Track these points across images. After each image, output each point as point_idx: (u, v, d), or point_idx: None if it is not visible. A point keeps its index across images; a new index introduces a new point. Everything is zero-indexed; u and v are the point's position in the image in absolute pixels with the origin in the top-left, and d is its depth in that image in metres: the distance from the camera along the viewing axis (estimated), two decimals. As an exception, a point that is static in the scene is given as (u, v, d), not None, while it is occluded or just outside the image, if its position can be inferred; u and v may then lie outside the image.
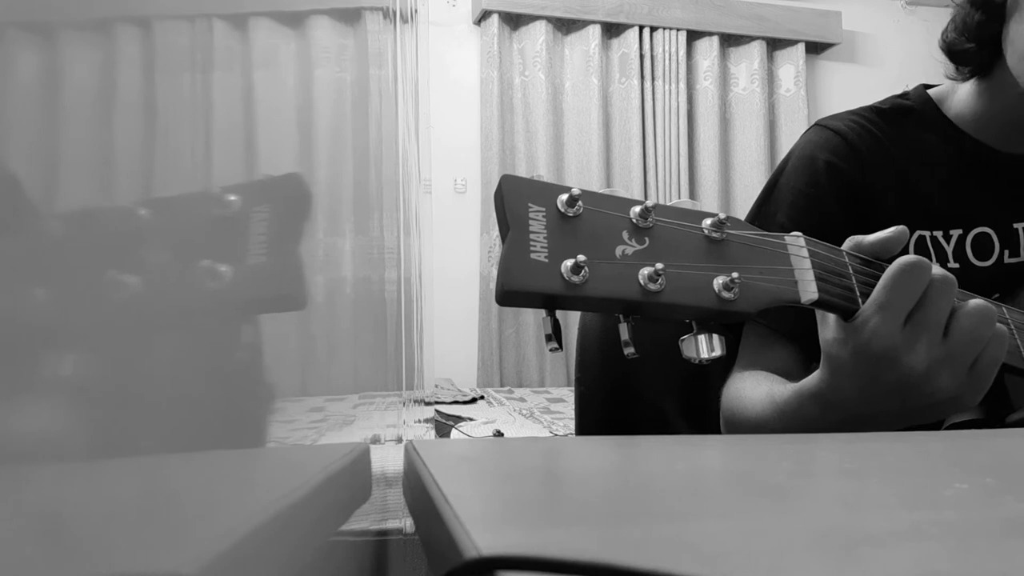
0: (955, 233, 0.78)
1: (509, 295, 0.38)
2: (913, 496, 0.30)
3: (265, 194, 0.32)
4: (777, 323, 0.75)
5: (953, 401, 0.51)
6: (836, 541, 0.23)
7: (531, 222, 0.39)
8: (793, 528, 0.25)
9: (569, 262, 0.39)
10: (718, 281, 0.42)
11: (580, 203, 0.41)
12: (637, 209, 0.42)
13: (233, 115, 0.35)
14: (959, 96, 0.83)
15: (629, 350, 0.42)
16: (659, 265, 0.40)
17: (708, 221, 0.44)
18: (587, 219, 0.41)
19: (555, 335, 0.41)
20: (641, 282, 0.40)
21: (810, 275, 0.46)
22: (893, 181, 0.79)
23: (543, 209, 0.40)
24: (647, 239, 0.42)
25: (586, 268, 0.39)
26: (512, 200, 0.40)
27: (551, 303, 0.40)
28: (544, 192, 0.41)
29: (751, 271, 0.44)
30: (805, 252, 0.47)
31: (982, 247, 0.79)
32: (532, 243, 0.39)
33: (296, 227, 0.33)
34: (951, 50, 0.80)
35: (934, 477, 0.34)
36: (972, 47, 0.77)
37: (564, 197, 0.40)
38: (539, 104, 3.28)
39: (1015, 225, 0.79)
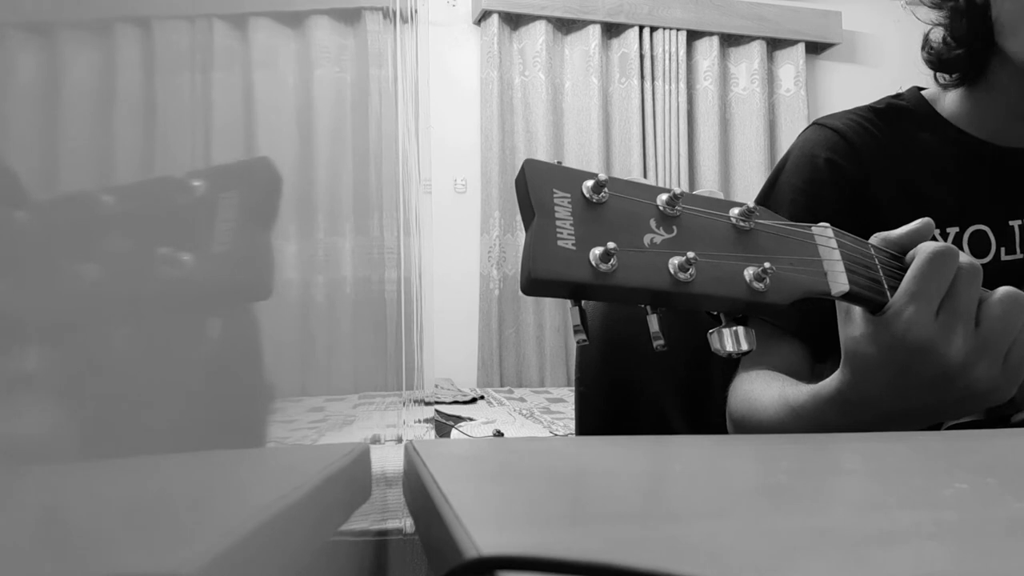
0: (952, 231, 0.79)
1: (536, 284, 0.36)
2: (913, 496, 0.30)
3: (232, 179, 0.31)
4: (782, 320, 0.74)
5: (989, 393, 0.50)
6: (837, 541, 0.23)
7: (556, 208, 0.37)
8: (794, 528, 0.25)
9: (598, 250, 0.37)
10: (749, 272, 0.41)
11: (606, 189, 0.39)
12: (664, 197, 0.40)
13: (233, 115, 0.35)
14: (952, 95, 0.85)
15: (659, 342, 0.40)
16: (690, 254, 0.38)
17: (736, 210, 0.42)
18: (613, 206, 0.39)
19: (584, 326, 0.39)
20: (671, 271, 0.39)
21: (840, 266, 0.45)
22: (891, 179, 0.80)
23: (568, 195, 0.38)
24: (675, 227, 0.40)
25: (615, 256, 0.37)
26: (536, 185, 0.38)
27: (579, 292, 0.38)
28: (569, 177, 0.39)
29: (781, 261, 0.42)
30: (834, 243, 0.45)
31: (979, 245, 0.79)
32: (559, 230, 0.37)
33: (265, 213, 0.32)
34: (940, 60, 0.81)
35: (934, 477, 0.34)
36: (961, 52, 0.79)
37: (590, 183, 0.39)
38: (539, 104, 3.28)
39: (1011, 223, 0.80)
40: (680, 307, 0.40)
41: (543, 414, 2.21)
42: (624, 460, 0.40)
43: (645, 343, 0.42)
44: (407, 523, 0.99)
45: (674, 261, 0.39)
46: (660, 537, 0.23)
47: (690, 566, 0.20)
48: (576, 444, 0.60)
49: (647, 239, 0.39)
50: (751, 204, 0.43)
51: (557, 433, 1.90)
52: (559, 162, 0.40)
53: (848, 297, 0.45)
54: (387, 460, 0.87)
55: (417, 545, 0.34)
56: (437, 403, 2.44)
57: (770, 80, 3.58)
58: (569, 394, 2.49)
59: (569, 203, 0.38)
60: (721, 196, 0.43)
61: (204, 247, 0.28)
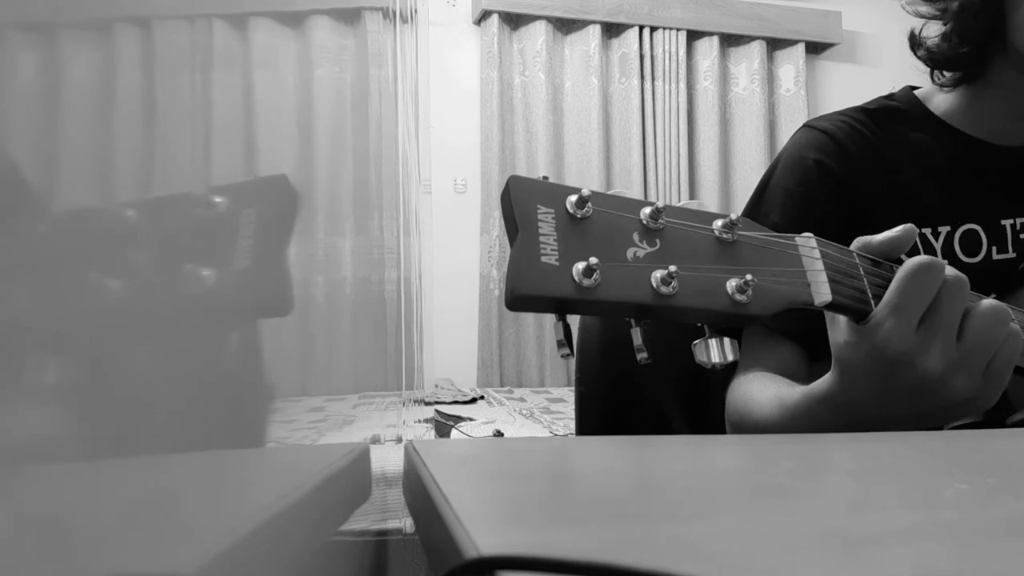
0: (943, 230, 0.79)
1: (520, 300, 0.37)
2: (913, 496, 0.30)
3: (251, 196, 0.32)
4: (778, 323, 0.75)
5: (968, 403, 0.50)
6: (837, 541, 0.23)
7: (540, 224, 0.38)
8: (794, 528, 0.25)
9: (581, 265, 0.37)
10: (731, 284, 0.41)
11: (589, 204, 0.39)
12: (647, 210, 0.41)
13: (233, 115, 0.35)
14: (946, 94, 0.84)
15: (642, 355, 0.41)
16: (672, 267, 0.39)
17: (719, 222, 0.43)
18: (597, 221, 0.40)
19: (567, 341, 0.40)
20: (654, 285, 0.39)
21: (823, 276, 0.45)
22: (882, 179, 0.80)
23: (552, 211, 0.39)
24: (658, 241, 0.41)
25: (598, 271, 0.37)
26: (520, 201, 0.38)
27: (563, 308, 0.38)
28: (553, 193, 0.39)
29: (763, 273, 0.43)
30: (817, 253, 0.46)
31: (970, 243, 0.79)
32: (542, 246, 0.38)
33: (283, 231, 0.33)
34: (944, 58, 0.80)
35: (934, 477, 0.34)
36: (967, 50, 0.78)
37: (573, 198, 0.39)
38: (539, 104, 3.28)
39: (1003, 222, 0.80)
40: (663, 320, 0.41)
41: (543, 414, 2.21)
42: (624, 460, 0.40)
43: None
44: (407, 523, 0.99)
45: (656, 275, 0.39)
46: (660, 537, 0.23)
47: (690, 566, 0.20)
48: (576, 444, 0.60)
49: (630, 253, 0.40)
50: (734, 216, 0.43)
51: (557, 433, 1.90)
52: (545, 177, 0.40)
53: (831, 307, 0.46)
54: (387, 460, 0.87)
55: (417, 545, 0.34)
56: (437, 403, 2.44)
57: (770, 80, 3.58)
58: (569, 394, 2.49)
59: (553, 219, 0.39)
60: (706, 208, 0.44)
61: (222, 261, 0.28)
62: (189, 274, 0.26)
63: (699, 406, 0.89)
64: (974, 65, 0.79)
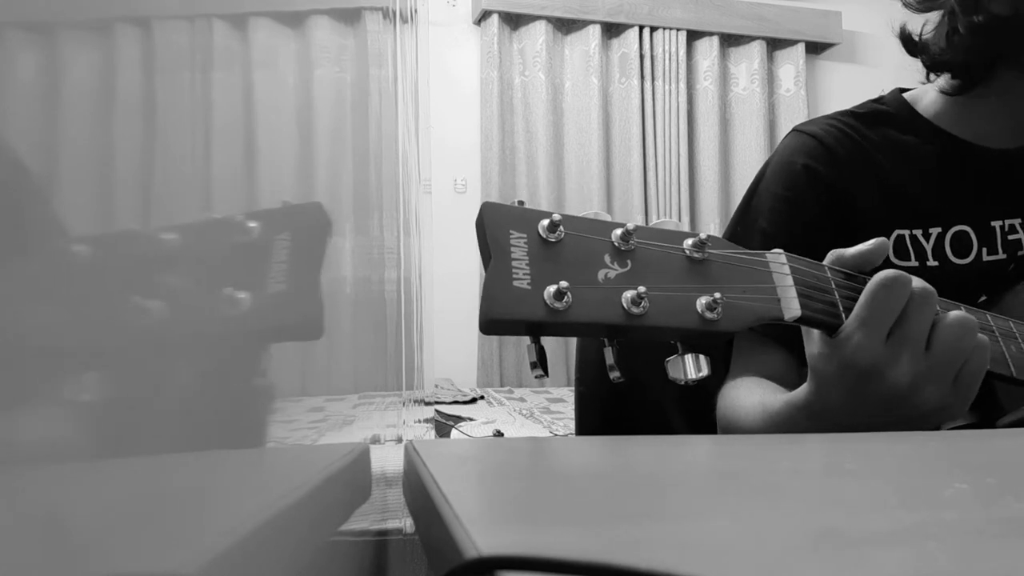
0: (934, 231, 0.79)
1: (493, 323, 0.38)
2: (913, 496, 0.30)
3: (285, 222, 0.33)
4: (767, 328, 0.75)
5: (940, 411, 0.51)
6: (836, 541, 0.23)
7: (513, 249, 0.40)
8: (793, 528, 0.25)
9: (552, 288, 0.39)
10: (701, 301, 0.42)
11: (561, 228, 0.41)
12: (618, 232, 0.42)
13: (233, 115, 0.35)
14: (934, 96, 0.84)
15: (615, 374, 0.42)
16: (641, 288, 0.40)
17: (689, 241, 0.44)
18: (569, 244, 0.41)
19: (540, 362, 0.41)
20: (624, 306, 0.40)
21: (792, 292, 0.46)
22: (872, 182, 0.80)
23: (524, 236, 0.40)
24: (629, 262, 0.42)
25: (569, 294, 0.39)
26: (493, 228, 0.40)
27: (535, 330, 0.40)
28: (525, 218, 0.41)
29: (733, 290, 0.44)
30: (787, 269, 0.47)
31: (961, 245, 0.79)
32: (515, 270, 0.39)
33: (316, 256, 0.33)
34: (952, 64, 0.79)
35: (934, 477, 0.34)
36: (976, 60, 0.76)
37: (545, 223, 0.41)
38: (539, 104, 3.28)
39: (992, 223, 0.80)
40: (635, 339, 0.42)
41: (543, 414, 2.21)
42: (624, 460, 0.40)
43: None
44: (407, 523, 0.99)
45: (627, 295, 0.41)
46: (660, 537, 0.23)
47: (690, 566, 0.20)
48: (576, 444, 0.60)
49: (601, 275, 0.41)
50: (704, 235, 0.44)
51: (557, 433, 1.90)
52: (520, 202, 0.42)
53: (801, 321, 0.47)
54: (387, 460, 0.88)
55: (417, 545, 0.34)
56: (437, 403, 2.44)
57: (770, 80, 3.58)
58: (569, 394, 2.49)
59: (525, 243, 0.40)
60: (682, 227, 0.46)
61: (257, 285, 0.29)
62: (222, 296, 0.26)
63: (699, 406, 0.89)
64: (981, 72, 0.78)
